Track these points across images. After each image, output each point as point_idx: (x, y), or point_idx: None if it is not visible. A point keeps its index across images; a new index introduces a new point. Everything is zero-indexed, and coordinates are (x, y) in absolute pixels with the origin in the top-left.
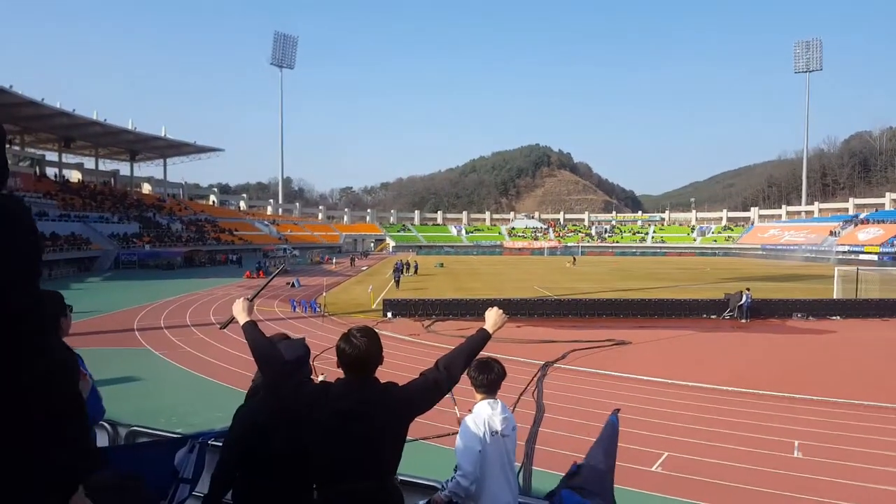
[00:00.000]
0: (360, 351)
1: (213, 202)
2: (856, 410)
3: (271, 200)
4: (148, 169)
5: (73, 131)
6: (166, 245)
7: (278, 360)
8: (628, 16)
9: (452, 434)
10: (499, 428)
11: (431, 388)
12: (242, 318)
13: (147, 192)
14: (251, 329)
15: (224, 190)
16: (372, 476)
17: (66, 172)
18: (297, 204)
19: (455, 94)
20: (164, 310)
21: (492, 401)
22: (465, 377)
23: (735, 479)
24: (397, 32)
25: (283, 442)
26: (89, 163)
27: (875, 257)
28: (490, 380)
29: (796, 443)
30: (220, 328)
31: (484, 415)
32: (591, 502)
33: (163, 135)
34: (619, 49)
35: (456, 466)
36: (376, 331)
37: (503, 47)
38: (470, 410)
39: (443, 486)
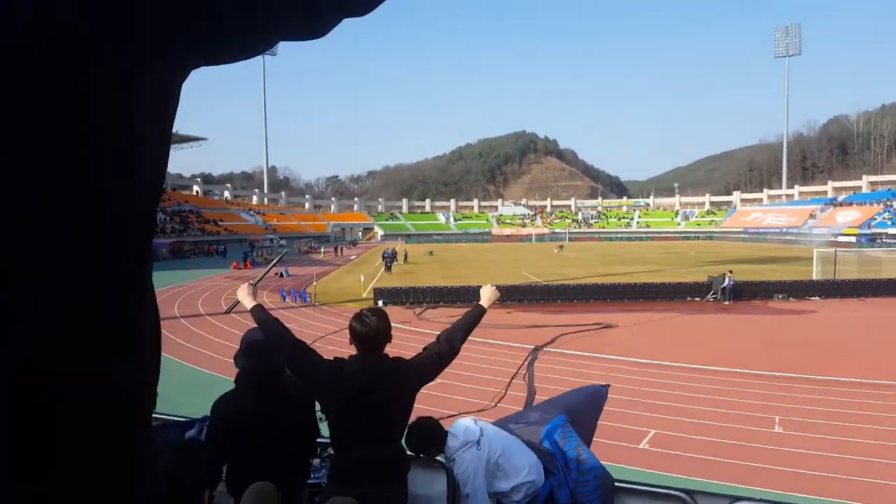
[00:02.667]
0: (372, 329)
1: (197, 192)
2: (833, 386)
3: (256, 190)
4: None
5: None
6: None
7: (290, 339)
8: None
9: (462, 414)
10: (476, 433)
11: (435, 360)
12: (249, 302)
13: None
14: (260, 312)
15: (207, 180)
16: (383, 442)
17: None
18: (283, 193)
19: (440, 80)
20: None
21: (450, 438)
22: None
23: (718, 454)
24: (382, 21)
25: (279, 419)
26: None
27: (853, 239)
28: (434, 444)
29: (777, 418)
30: (226, 312)
31: (469, 458)
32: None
33: None
34: (604, 35)
35: None
36: (385, 311)
37: (490, 33)
38: (452, 459)
39: None
